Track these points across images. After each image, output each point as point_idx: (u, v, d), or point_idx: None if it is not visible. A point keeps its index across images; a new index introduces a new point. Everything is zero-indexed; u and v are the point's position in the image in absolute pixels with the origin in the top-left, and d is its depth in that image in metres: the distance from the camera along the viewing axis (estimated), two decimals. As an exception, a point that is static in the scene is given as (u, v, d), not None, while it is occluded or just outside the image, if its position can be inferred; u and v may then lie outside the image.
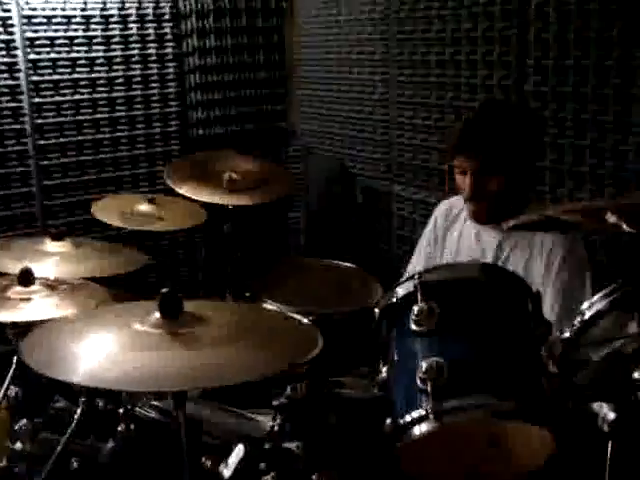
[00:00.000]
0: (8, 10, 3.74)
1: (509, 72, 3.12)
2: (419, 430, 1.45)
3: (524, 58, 3.04)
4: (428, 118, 3.59)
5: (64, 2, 3.89)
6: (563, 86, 2.90)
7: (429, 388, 1.44)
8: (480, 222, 2.44)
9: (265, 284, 2.98)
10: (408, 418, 1.48)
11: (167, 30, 4.20)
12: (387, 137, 3.90)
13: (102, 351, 1.58)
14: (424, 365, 1.47)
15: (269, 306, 2.77)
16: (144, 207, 3.28)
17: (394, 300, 1.62)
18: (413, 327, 1.54)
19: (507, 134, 2.31)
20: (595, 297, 1.60)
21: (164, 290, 1.64)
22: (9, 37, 3.77)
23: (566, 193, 2.94)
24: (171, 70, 4.25)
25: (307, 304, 2.76)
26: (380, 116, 3.93)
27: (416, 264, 2.75)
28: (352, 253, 3.81)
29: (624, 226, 1.45)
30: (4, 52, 3.77)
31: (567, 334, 1.61)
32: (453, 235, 2.58)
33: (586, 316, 1.60)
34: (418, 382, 1.47)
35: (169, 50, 4.22)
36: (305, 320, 2.57)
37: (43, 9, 3.84)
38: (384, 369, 1.65)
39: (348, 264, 3.20)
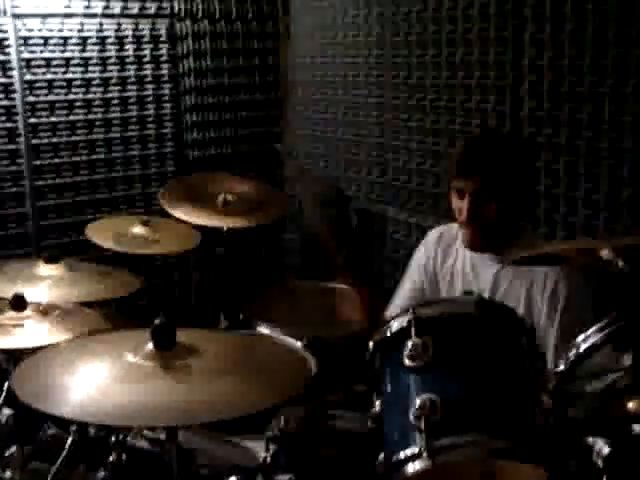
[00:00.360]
0: (5, 31, 3.76)
1: (504, 97, 3.13)
2: (412, 468, 1.43)
3: (519, 83, 3.05)
4: (423, 142, 3.59)
5: (61, 23, 3.90)
6: (558, 111, 2.91)
7: (423, 425, 1.42)
8: (474, 249, 2.41)
9: (259, 307, 2.97)
10: (401, 455, 1.46)
11: (163, 51, 4.21)
12: (382, 160, 3.90)
13: (93, 383, 1.57)
14: (418, 402, 1.45)
15: (263, 330, 2.76)
16: (138, 230, 3.27)
17: (388, 334, 1.61)
18: (407, 362, 1.52)
19: (506, 160, 2.30)
20: (590, 330, 1.60)
21: (157, 321, 1.63)
22: (5, 58, 3.78)
23: (560, 218, 2.95)
24: (167, 91, 4.26)
25: (301, 327, 2.75)
26: (375, 139, 3.93)
27: (403, 294, 2.72)
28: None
29: (620, 263, 1.45)
30: (0, 73, 3.78)
31: (562, 367, 1.61)
32: (447, 265, 2.54)
33: (581, 349, 1.60)
34: (411, 418, 1.45)
35: (165, 71, 4.24)
36: (299, 344, 2.58)
37: (40, 30, 3.85)
38: (378, 402, 1.63)
39: (342, 286, 3.19)
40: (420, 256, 2.66)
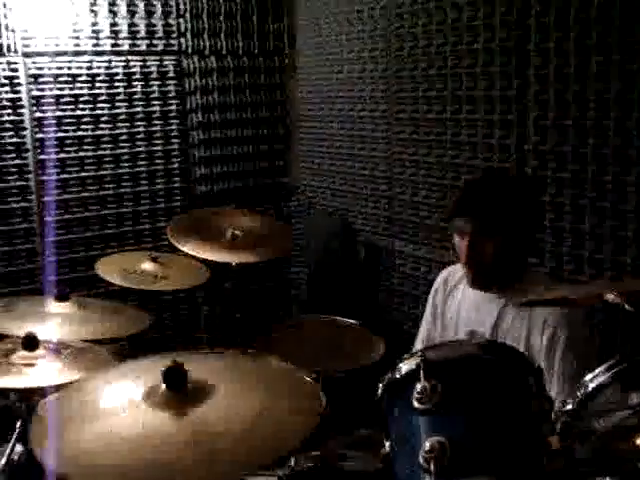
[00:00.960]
0: (15, 69, 3.81)
1: (509, 132, 3.16)
2: (423, 509, 1.45)
3: (524, 118, 3.08)
4: (429, 175, 3.62)
5: (70, 61, 3.96)
6: (562, 146, 2.93)
7: (432, 467, 1.44)
8: (477, 287, 2.43)
9: (267, 341, 2.98)
10: (412, 497, 1.48)
11: (171, 88, 4.26)
12: (389, 194, 3.93)
13: (106, 442, 1.55)
14: (427, 444, 1.46)
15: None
16: (147, 266, 3.29)
17: (397, 376, 1.63)
18: (416, 405, 1.53)
19: (505, 199, 2.33)
20: (598, 369, 1.61)
21: (169, 364, 1.64)
22: (16, 96, 3.83)
23: (566, 252, 2.96)
24: (175, 127, 4.30)
25: (309, 361, 2.76)
26: (381, 173, 3.96)
27: (420, 337, 2.76)
28: (354, 309, 3.82)
29: (626, 306, 1.47)
30: (10, 110, 3.83)
31: (570, 406, 1.62)
32: (453, 303, 2.57)
33: (589, 388, 1.61)
34: (421, 460, 1.46)
35: (173, 107, 4.28)
36: (308, 379, 2.59)
37: (49, 68, 3.91)
38: (387, 443, 1.65)
39: (350, 320, 3.20)
40: (429, 304, 2.70)
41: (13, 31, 3.78)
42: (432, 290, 2.70)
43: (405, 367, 1.60)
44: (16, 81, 3.83)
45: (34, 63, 3.87)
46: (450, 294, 2.59)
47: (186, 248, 3.36)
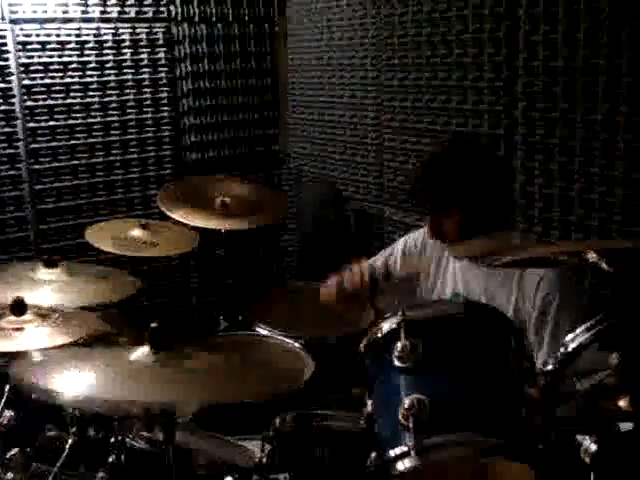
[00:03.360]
0: (3, 37, 3.79)
1: (498, 98, 3.16)
2: (402, 466, 1.46)
3: (513, 85, 3.08)
4: (419, 142, 3.62)
5: (59, 28, 3.93)
6: (551, 112, 2.93)
7: (411, 424, 1.45)
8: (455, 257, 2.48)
9: (258, 308, 3.00)
10: (391, 454, 1.49)
11: (161, 55, 4.24)
12: (379, 161, 3.93)
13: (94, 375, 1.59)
14: (406, 401, 1.48)
15: (262, 331, 2.79)
16: (137, 233, 3.29)
17: (379, 335, 1.64)
18: (396, 363, 1.55)
19: (461, 175, 2.33)
20: (578, 329, 1.62)
21: (154, 325, 1.66)
22: (4, 63, 3.81)
23: (555, 217, 2.97)
24: (165, 94, 4.28)
25: (299, 328, 2.78)
26: (372, 140, 3.96)
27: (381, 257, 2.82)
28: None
29: (603, 265, 1.48)
30: (-1, 78, 3.81)
31: (550, 366, 1.64)
32: (440, 270, 2.58)
33: (569, 348, 1.62)
34: (401, 418, 1.48)
35: (163, 75, 4.26)
36: (297, 344, 2.62)
37: (38, 35, 3.88)
38: (369, 402, 1.67)
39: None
40: (401, 242, 2.76)
41: (0, -3, 3.75)
42: (410, 236, 2.75)
43: (386, 326, 1.62)
44: (4, 48, 3.80)
45: (22, 30, 3.84)
46: (439, 259, 2.59)
47: (176, 215, 3.37)
